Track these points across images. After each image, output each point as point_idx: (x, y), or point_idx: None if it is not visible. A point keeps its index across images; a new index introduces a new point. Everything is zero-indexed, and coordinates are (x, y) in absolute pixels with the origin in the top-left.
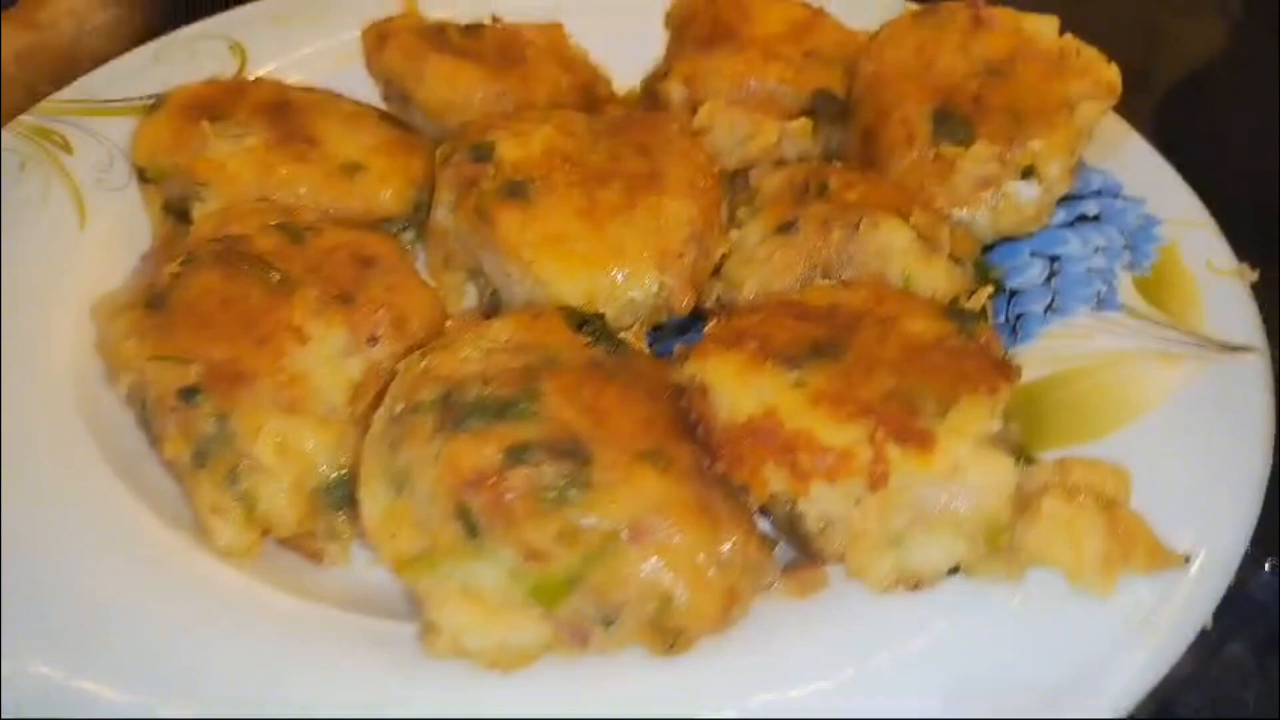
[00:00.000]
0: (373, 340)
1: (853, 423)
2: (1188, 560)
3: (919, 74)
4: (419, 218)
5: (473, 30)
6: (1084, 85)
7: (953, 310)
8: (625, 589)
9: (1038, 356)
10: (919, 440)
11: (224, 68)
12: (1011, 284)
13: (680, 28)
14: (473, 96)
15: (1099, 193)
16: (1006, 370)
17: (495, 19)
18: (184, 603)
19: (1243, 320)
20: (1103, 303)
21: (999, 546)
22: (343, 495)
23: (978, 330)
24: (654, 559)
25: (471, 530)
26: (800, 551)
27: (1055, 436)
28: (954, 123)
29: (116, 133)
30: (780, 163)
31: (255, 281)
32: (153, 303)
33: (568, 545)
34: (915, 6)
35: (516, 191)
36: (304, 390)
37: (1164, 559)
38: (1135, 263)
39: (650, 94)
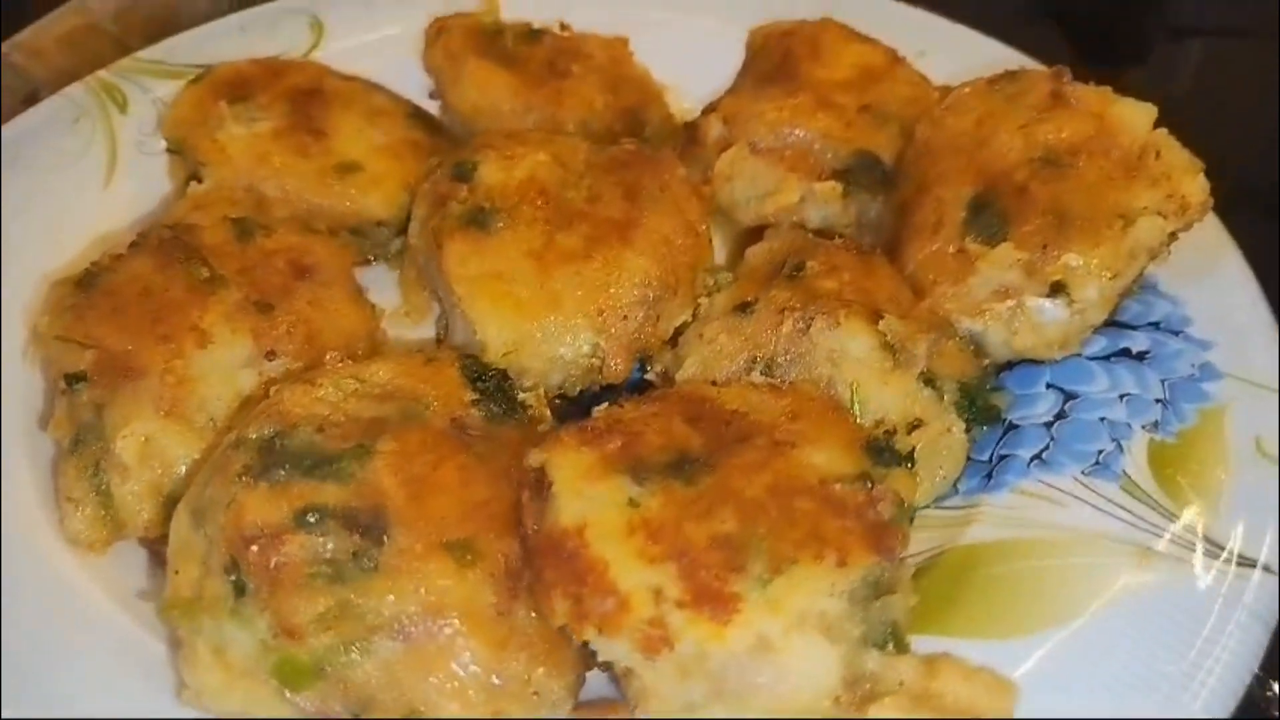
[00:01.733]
0: (270, 355)
1: (656, 566)
2: None
3: (972, 149)
4: None
5: (533, 37)
6: (1153, 196)
7: (874, 445)
8: (380, 690)
9: (996, 514)
10: (718, 605)
11: (298, 43)
12: (1012, 417)
13: (752, 57)
14: (500, 105)
15: (1157, 325)
16: (882, 539)
17: (563, 26)
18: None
19: (1269, 528)
20: (1100, 465)
21: None
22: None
23: (884, 478)
24: (417, 666)
25: (239, 589)
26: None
27: (961, 622)
28: (989, 215)
29: (172, 97)
30: (798, 227)
31: (182, 276)
32: (84, 281)
33: (325, 629)
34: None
35: (478, 220)
36: (188, 395)
37: None
38: (1163, 423)
39: (690, 128)
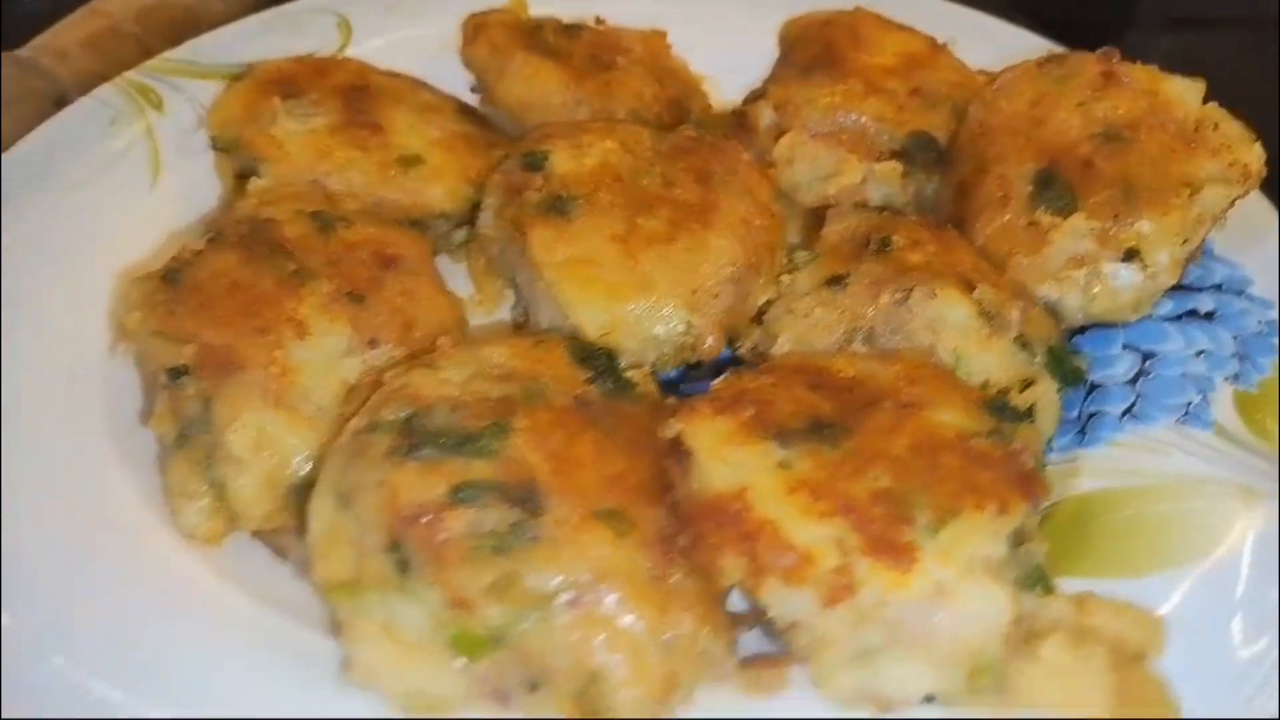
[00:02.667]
0: (372, 344)
1: (827, 521)
2: None
3: (1029, 129)
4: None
5: (571, 31)
6: (1216, 165)
7: (994, 404)
8: (555, 657)
9: (1099, 466)
10: (898, 555)
11: (327, 42)
12: (1094, 377)
13: (790, 48)
14: (551, 99)
15: (1219, 287)
16: (1030, 487)
17: (599, 20)
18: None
19: None
20: (1191, 416)
21: (980, 685)
22: (297, 490)
23: (1013, 433)
24: (590, 630)
25: (402, 566)
26: (773, 638)
27: (1092, 563)
28: (1057, 188)
29: (208, 97)
30: (861, 206)
31: (270, 269)
32: (168, 277)
33: (498, 599)
34: (1046, 52)
35: (557, 207)
36: (293, 385)
37: None
38: (1242, 375)
39: (739, 115)
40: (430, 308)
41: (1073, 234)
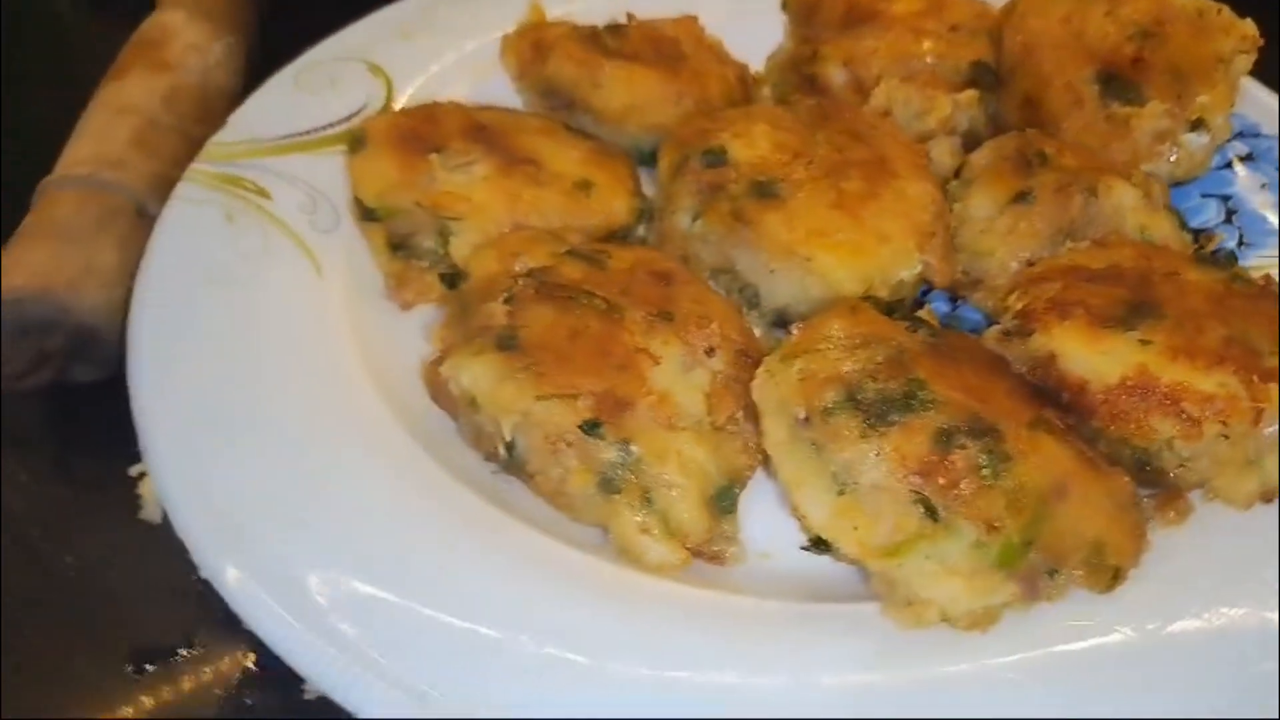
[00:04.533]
0: (710, 351)
1: (1216, 370)
2: None
3: (1071, 42)
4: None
5: (617, 30)
6: (1231, 40)
7: (1206, 258)
8: (1064, 541)
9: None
10: (1276, 378)
11: (372, 90)
12: (1194, 224)
13: (808, 9)
14: (654, 97)
15: (1241, 134)
16: None
17: (630, 17)
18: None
19: None
20: None
21: None
22: (730, 499)
23: (1245, 273)
24: (1081, 511)
25: (931, 514)
26: (1147, 485)
27: None
28: (1119, 84)
29: (305, 171)
30: (952, 132)
31: (587, 311)
32: (503, 345)
33: (1015, 513)
34: None
35: (766, 192)
36: (673, 408)
37: None
38: None
39: (807, 78)
40: (717, 306)
41: (1152, 117)
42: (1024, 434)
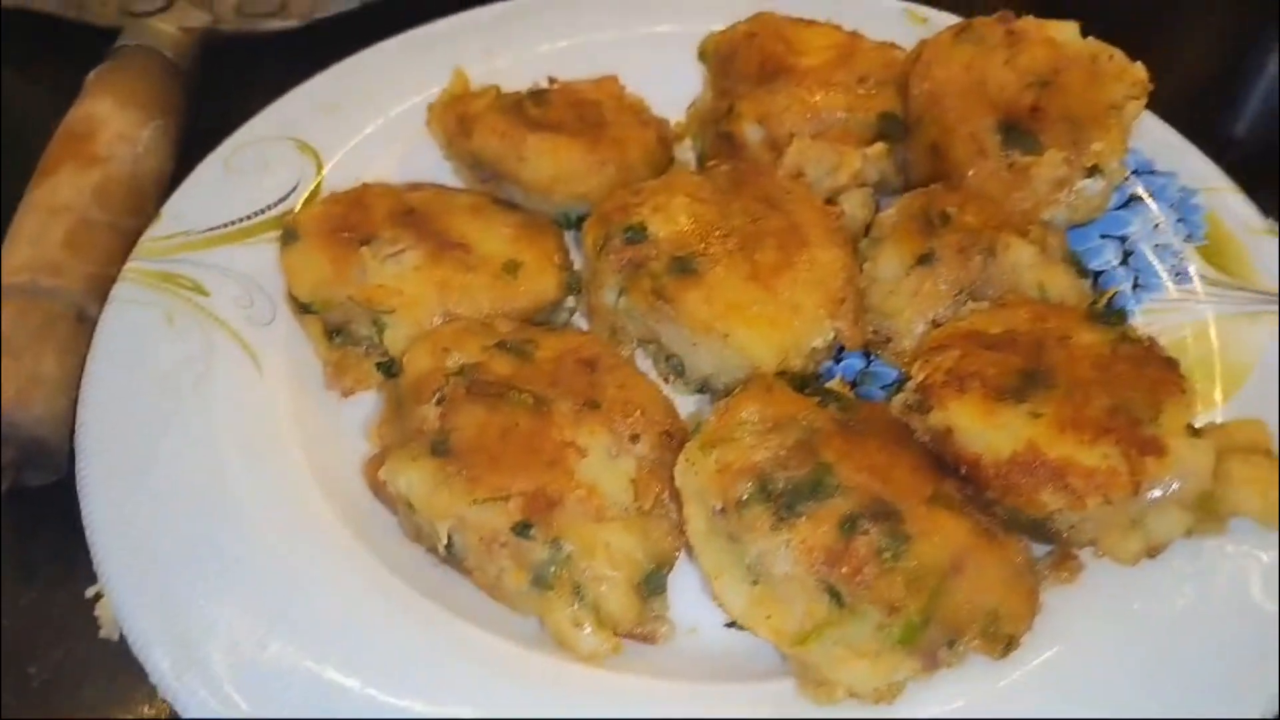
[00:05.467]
0: (634, 439)
1: (1101, 441)
2: None
3: (974, 90)
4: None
5: (540, 97)
6: (1122, 87)
7: (1097, 315)
8: (961, 614)
9: (1146, 332)
10: (1154, 448)
11: (302, 169)
12: (1093, 265)
13: (724, 63)
14: (577, 168)
15: (1137, 171)
16: (1177, 367)
17: (552, 80)
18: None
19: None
20: (1179, 275)
21: (1210, 510)
22: (658, 581)
23: (1131, 333)
24: (977, 584)
25: (838, 600)
26: (1042, 542)
27: (1195, 404)
28: (1019, 134)
29: (240, 263)
30: (864, 184)
31: (516, 408)
32: (437, 450)
33: (915, 593)
34: (950, 23)
35: (685, 268)
36: (601, 498)
37: None
38: (1192, 233)
39: (725, 136)
40: (643, 389)
41: (1051, 166)
42: (923, 511)
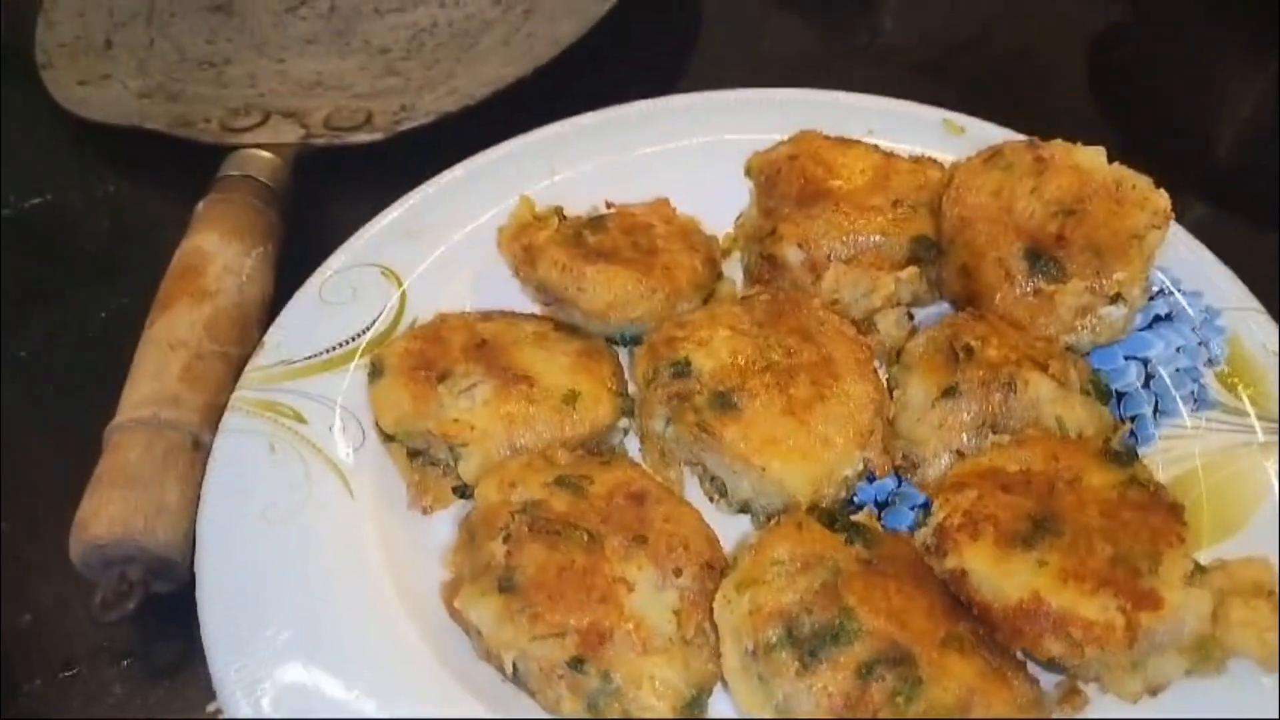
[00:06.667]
0: (678, 572)
1: (1099, 594)
2: None
3: (1002, 216)
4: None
5: (598, 224)
6: (1145, 216)
7: (1111, 453)
8: None
9: (1162, 459)
10: (1151, 601)
11: (386, 294)
12: (1116, 386)
13: (768, 183)
14: (631, 296)
15: (1162, 292)
16: (1180, 513)
17: (609, 205)
18: None
19: None
20: (1199, 402)
21: (1209, 654)
22: (698, 705)
23: (1140, 474)
24: None
25: None
26: (1054, 672)
27: (1199, 540)
28: (1044, 261)
29: (333, 391)
30: (897, 304)
31: (572, 546)
32: (503, 587)
33: None
34: (983, 151)
35: (726, 403)
36: (647, 630)
37: None
38: (1213, 357)
39: (768, 258)
40: (688, 522)
41: (1074, 295)
42: (935, 655)
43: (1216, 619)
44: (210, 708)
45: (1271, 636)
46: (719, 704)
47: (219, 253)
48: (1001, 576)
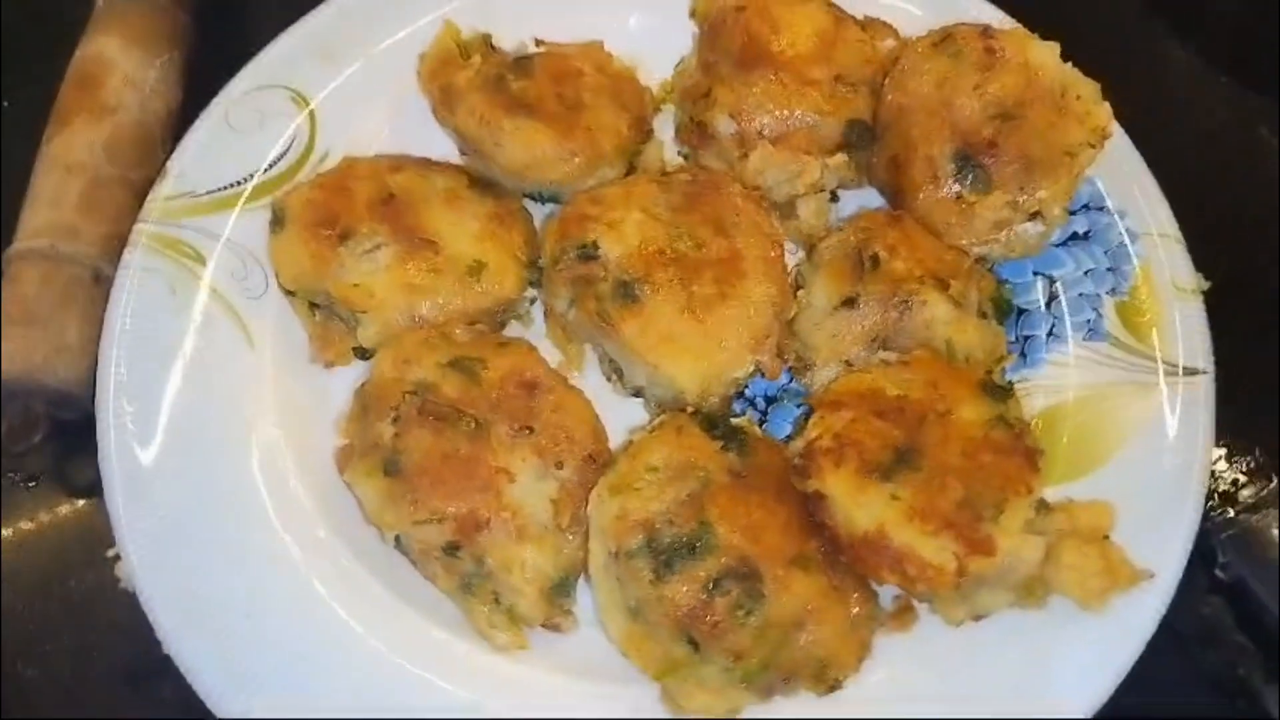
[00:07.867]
0: (560, 464)
1: (939, 536)
2: (1151, 576)
3: (939, 110)
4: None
5: (524, 66)
6: (1083, 131)
7: (988, 386)
8: (796, 661)
9: (1043, 386)
10: (985, 548)
11: (295, 124)
12: (1019, 302)
13: (712, 31)
14: (547, 155)
15: (1087, 207)
16: (1036, 459)
17: (539, 42)
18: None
19: (1199, 342)
20: (1092, 331)
21: (1034, 591)
22: (565, 587)
23: (1009, 412)
24: (812, 639)
25: (694, 647)
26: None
27: (1056, 474)
28: (972, 167)
29: (237, 233)
30: (821, 190)
31: (458, 433)
32: (389, 469)
33: (758, 643)
34: (935, 32)
35: (628, 294)
36: (523, 519)
37: (1136, 577)
38: (1117, 286)
39: (700, 124)
40: (575, 412)
41: (993, 208)
42: (782, 573)
43: (1048, 558)
44: (110, 553)
45: (1095, 582)
46: (587, 593)
47: (120, 61)
48: (855, 506)
